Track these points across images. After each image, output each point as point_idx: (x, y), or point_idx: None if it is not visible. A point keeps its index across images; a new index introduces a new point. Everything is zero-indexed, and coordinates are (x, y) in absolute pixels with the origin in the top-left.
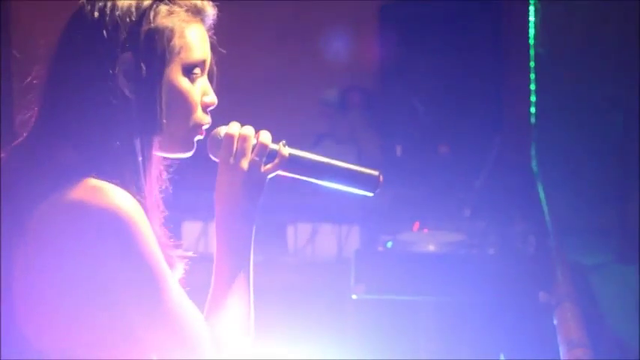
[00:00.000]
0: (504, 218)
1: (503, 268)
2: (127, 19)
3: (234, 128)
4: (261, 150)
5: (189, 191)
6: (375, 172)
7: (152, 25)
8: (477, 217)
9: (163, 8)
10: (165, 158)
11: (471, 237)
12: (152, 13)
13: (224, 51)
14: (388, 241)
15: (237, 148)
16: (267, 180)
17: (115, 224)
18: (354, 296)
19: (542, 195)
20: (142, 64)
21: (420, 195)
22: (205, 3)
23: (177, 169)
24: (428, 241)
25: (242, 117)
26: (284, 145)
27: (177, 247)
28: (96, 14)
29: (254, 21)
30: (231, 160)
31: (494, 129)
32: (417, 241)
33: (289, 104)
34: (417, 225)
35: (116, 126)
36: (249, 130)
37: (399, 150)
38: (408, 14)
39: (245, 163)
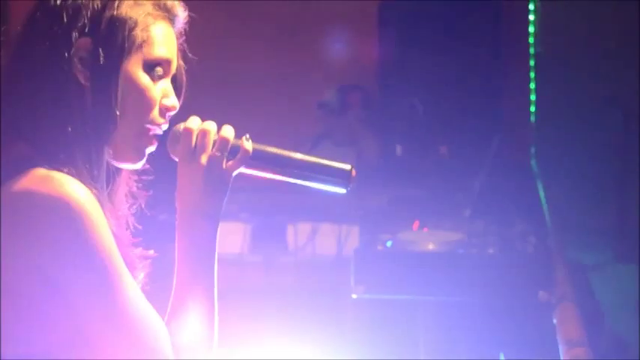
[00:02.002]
0: (504, 218)
1: (502, 267)
2: (90, 5)
3: (193, 123)
4: (222, 145)
5: None
6: (347, 166)
7: (115, 13)
8: (477, 217)
9: (130, 1)
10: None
11: (470, 236)
12: (117, 2)
13: (195, 57)
14: (388, 240)
15: (196, 144)
16: (231, 177)
17: (64, 212)
18: (354, 295)
19: (541, 194)
20: (100, 52)
21: (419, 194)
22: (176, 3)
23: (176, 171)
24: (427, 241)
25: (238, 117)
26: (247, 140)
27: (138, 246)
28: None
29: (250, 20)
30: (191, 157)
31: (493, 128)
32: (416, 240)
33: (287, 105)
34: (416, 224)
35: (69, 113)
36: (210, 125)
37: (398, 149)
38: (406, 13)
39: (205, 159)
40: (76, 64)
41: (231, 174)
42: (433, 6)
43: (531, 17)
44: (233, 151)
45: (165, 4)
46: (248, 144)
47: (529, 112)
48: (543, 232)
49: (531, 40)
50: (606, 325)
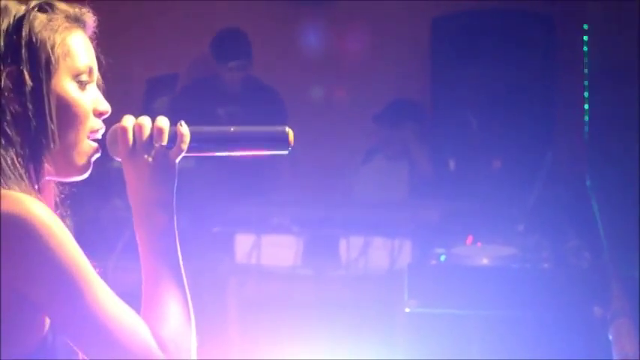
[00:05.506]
0: (558, 233)
1: (557, 282)
2: (7, 33)
3: (128, 121)
4: (159, 134)
5: (241, 205)
6: (283, 128)
7: (31, 35)
8: (531, 232)
9: (42, 17)
10: (59, 184)
11: (524, 251)
12: (29, 24)
13: (111, 60)
14: (441, 254)
15: (134, 139)
16: (175, 164)
17: (26, 229)
18: (407, 310)
19: (596, 209)
20: (27, 77)
21: (473, 208)
22: (84, 11)
23: (229, 183)
24: (481, 255)
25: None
26: (182, 125)
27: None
28: None
29: (300, 34)
30: (132, 153)
31: (547, 142)
32: (470, 254)
33: (339, 120)
34: (470, 239)
35: (9, 141)
36: (143, 120)
37: (451, 163)
38: (460, 27)
39: (145, 152)
40: (9, 94)
41: (175, 161)
42: (487, 21)
43: (585, 38)
44: (172, 139)
45: (74, 14)
46: (184, 128)
47: (583, 127)
48: (598, 247)
49: (585, 59)
50: None
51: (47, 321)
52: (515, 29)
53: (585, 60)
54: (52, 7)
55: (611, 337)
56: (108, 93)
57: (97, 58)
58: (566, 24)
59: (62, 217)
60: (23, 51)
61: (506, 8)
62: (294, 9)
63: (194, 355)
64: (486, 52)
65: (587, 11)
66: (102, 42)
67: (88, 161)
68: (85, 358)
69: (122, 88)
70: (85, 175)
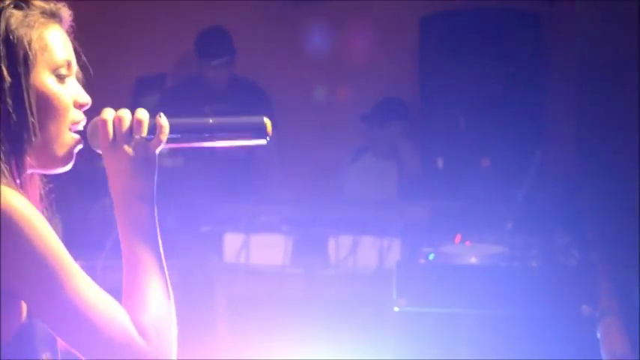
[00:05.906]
0: (547, 231)
1: (545, 280)
2: None
3: (108, 113)
4: (139, 126)
5: (230, 204)
6: (260, 118)
7: (8, 32)
8: (520, 230)
9: (18, 14)
10: (44, 177)
11: (513, 250)
12: (5, 21)
13: (83, 55)
14: (430, 253)
15: (114, 132)
16: (156, 156)
17: (6, 221)
18: (395, 309)
19: (585, 207)
20: (5, 73)
21: (461, 207)
22: (60, 6)
23: (218, 182)
24: (470, 254)
25: (278, 131)
26: (161, 117)
27: None
28: None
29: (289, 33)
30: (112, 145)
31: (536, 140)
32: (459, 253)
33: (328, 118)
34: (458, 237)
35: None
36: (123, 112)
37: (440, 162)
38: (448, 25)
39: (126, 144)
40: None
41: (155, 152)
42: (475, 19)
43: (574, 29)
44: (151, 131)
45: (50, 10)
46: (163, 120)
47: (571, 124)
48: (586, 246)
49: (574, 51)
50: None
51: (26, 308)
52: (503, 28)
53: (574, 58)
54: (27, 3)
55: (599, 336)
56: (98, 90)
57: (76, 51)
58: (554, 22)
59: (47, 210)
60: (0, 48)
61: (494, 7)
62: (282, 8)
63: (175, 342)
64: (475, 51)
65: (576, 10)
66: (90, 39)
67: (70, 152)
68: (65, 345)
69: (110, 86)
70: (68, 167)
